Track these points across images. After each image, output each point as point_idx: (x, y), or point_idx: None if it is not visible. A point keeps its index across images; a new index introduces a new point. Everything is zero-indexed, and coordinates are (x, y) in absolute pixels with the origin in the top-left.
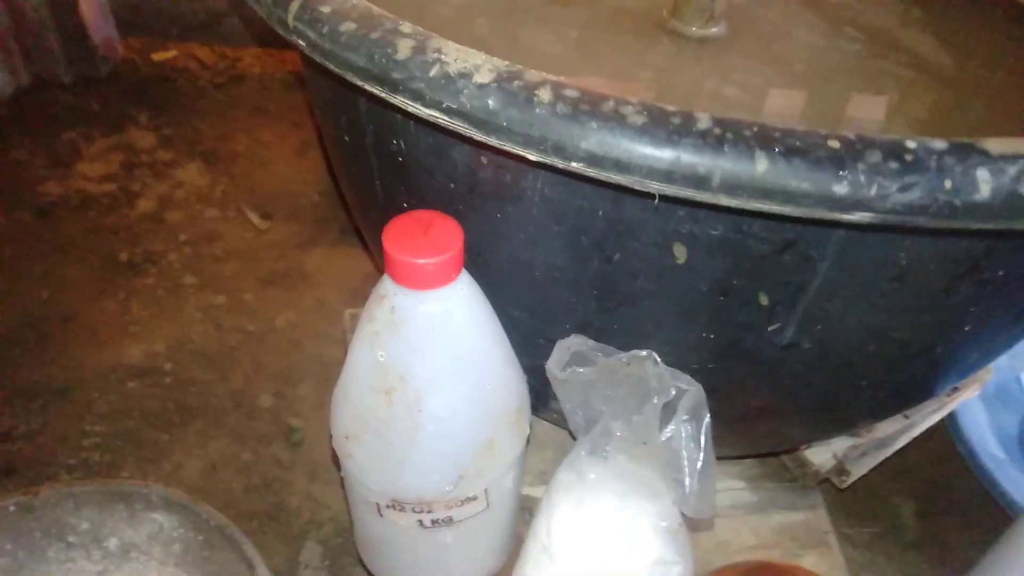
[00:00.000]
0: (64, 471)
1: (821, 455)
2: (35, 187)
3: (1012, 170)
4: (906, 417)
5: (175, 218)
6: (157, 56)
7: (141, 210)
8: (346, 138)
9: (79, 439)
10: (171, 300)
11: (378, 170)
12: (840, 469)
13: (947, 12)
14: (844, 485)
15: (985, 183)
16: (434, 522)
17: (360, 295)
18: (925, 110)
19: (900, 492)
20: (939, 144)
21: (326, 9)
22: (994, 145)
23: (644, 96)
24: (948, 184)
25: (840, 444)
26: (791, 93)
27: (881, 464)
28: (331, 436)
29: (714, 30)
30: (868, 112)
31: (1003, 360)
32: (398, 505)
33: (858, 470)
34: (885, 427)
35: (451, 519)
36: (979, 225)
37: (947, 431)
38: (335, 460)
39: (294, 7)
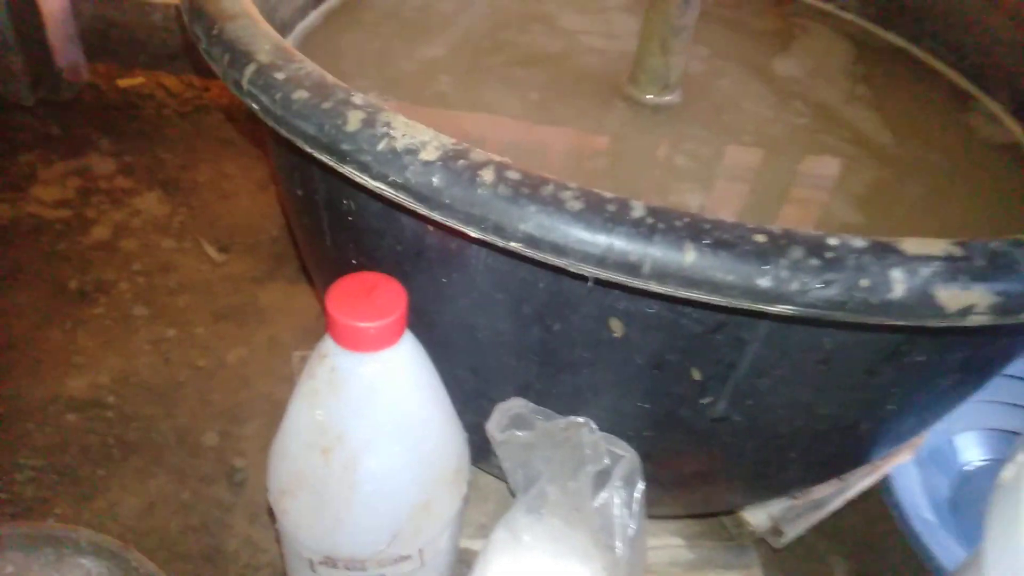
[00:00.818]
0: None
1: (758, 516)
2: None
3: (925, 271)
4: (841, 480)
5: (130, 247)
6: (123, 82)
7: (95, 237)
8: (299, 192)
9: (12, 472)
10: (119, 331)
11: (329, 226)
12: (776, 529)
13: (890, 91)
14: (779, 545)
15: (899, 283)
16: None
17: (314, 334)
18: (864, 187)
19: (835, 552)
20: (859, 242)
21: (280, 76)
22: (910, 245)
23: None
24: (864, 282)
25: (776, 505)
26: (737, 167)
27: (817, 524)
28: (267, 490)
29: (669, 98)
30: (810, 188)
31: (937, 424)
32: (331, 562)
33: (793, 531)
34: (820, 489)
35: None
36: (893, 322)
37: (882, 492)
38: (271, 513)
39: (249, 71)
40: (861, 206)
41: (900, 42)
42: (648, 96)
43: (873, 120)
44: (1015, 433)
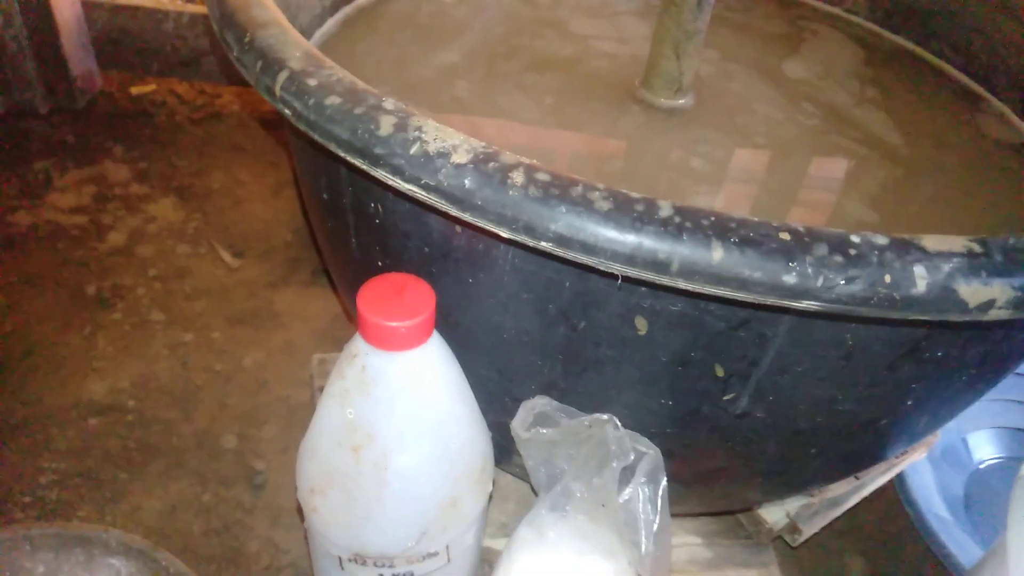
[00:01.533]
0: (19, 509)
1: (775, 514)
2: (4, 217)
3: (946, 267)
4: (857, 478)
5: (146, 253)
6: (136, 89)
7: (111, 243)
8: (325, 196)
9: (36, 476)
10: (138, 336)
11: (355, 229)
12: (793, 528)
13: (900, 93)
14: (796, 543)
15: (921, 278)
16: None
17: (329, 337)
18: (877, 186)
19: (850, 550)
20: (881, 239)
21: (312, 82)
22: (931, 242)
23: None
24: (888, 278)
25: (793, 503)
26: (751, 169)
27: (832, 522)
28: (296, 488)
29: (682, 101)
30: (824, 189)
31: (950, 423)
32: (360, 559)
33: (810, 529)
34: (837, 487)
35: (412, 574)
36: (915, 316)
37: (896, 490)
38: (299, 511)
39: (282, 78)
40: (875, 205)
41: (909, 44)
42: (661, 100)
43: (883, 121)
44: None
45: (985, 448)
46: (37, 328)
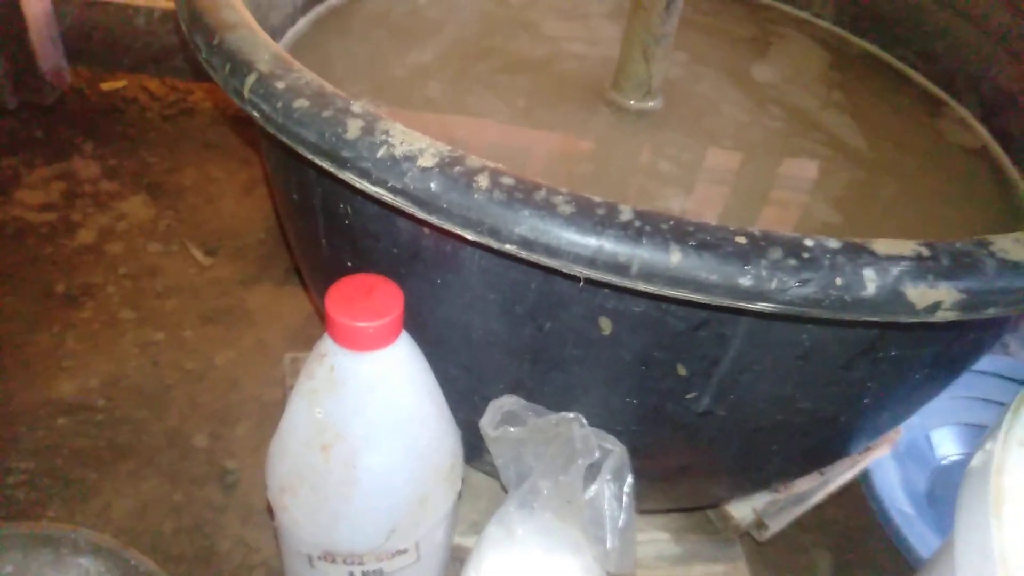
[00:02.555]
0: None
1: (742, 510)
2: None
3: (895, 270)
4: (822, 474)
5: (116, 251)
6: (106, 85)
7: (81, 241)
8: (294, 196)
9: (4, 476)
10: (107, 334)
11: (325, 229)
12: (759, 523)
13: (864, 97)
14: (763, 538)
15: (871, 281)
16: (364, 574)
17: (302, 336)
18: (841, 188)
19: (817, 545)
20: (833, 243)
21: (281, 85)
22: (881, 246)
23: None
24: (839, 281)
25: (760, 499)
26: (718, 171)
27: (799, 517)
28: (266, 487)
29: (651, 104)
30: (790, 190)
31: (914, 419)
32: (330, 557)
33: (776, 524)
34: (802, 483)
35: (382, 571)
36: (866, 317)
37: (862, 486)
38: (270, 510)
39: (250, 80)
40: (839, 207)
41: (874, 49)
42: (631, 102)
43: (848, 125)
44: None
45: (948, 445)
46: (4, 326)
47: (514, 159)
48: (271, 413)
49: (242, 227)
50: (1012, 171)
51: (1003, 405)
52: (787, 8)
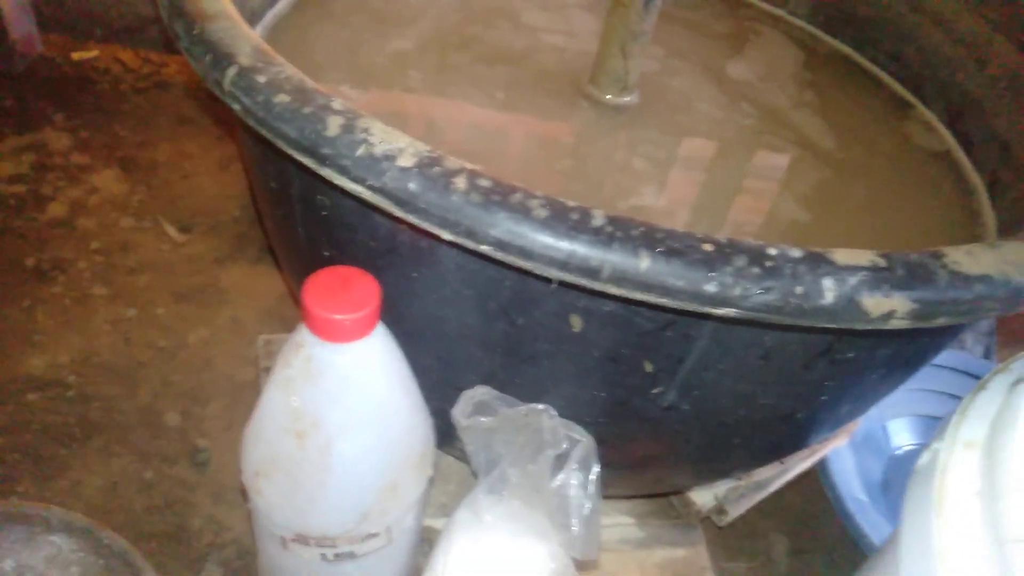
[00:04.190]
0: None
1: (703, 496)
2: None
3: (852, 280)
4: (781, 463)
5: (88, 225)
6: (78, 55)
7: (52, 215)
8: (272, 185)
9: None
10: (79, 310)
11: (302, 219)
12: (720, 509)
13: (835, 97)
14: (723, 523)
15: (829, 290)
16: (337, 556)
17: (276, 315)
18: (809, 187)
19: (774, 530)
20: (796, 252)
21: (262, 79)
22: (840, 256)
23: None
24: (799, 289)
25: (721, 486)
26: (692, 168)
27: (758, 503)
28: (241, 471)
29: (627, 99)
30: (760, 188)
31: (871, 410)
32: (303, 539)
33: (736, 510)
34: (762, 471)
35: (353, 554)
36: (824, 324)
37: (819, 473)
38: (243, 492)
39: (231, 73)
40: (807, 205)
41: (846, 49)
42: (608, 96)
43: (818, 124)
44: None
45: (903, 435)
46: None
47: (493, 153)
48: (243, 392)
49: (216, 204)
50: (973, 176)
51: (957, 398)
52: (764, 5)
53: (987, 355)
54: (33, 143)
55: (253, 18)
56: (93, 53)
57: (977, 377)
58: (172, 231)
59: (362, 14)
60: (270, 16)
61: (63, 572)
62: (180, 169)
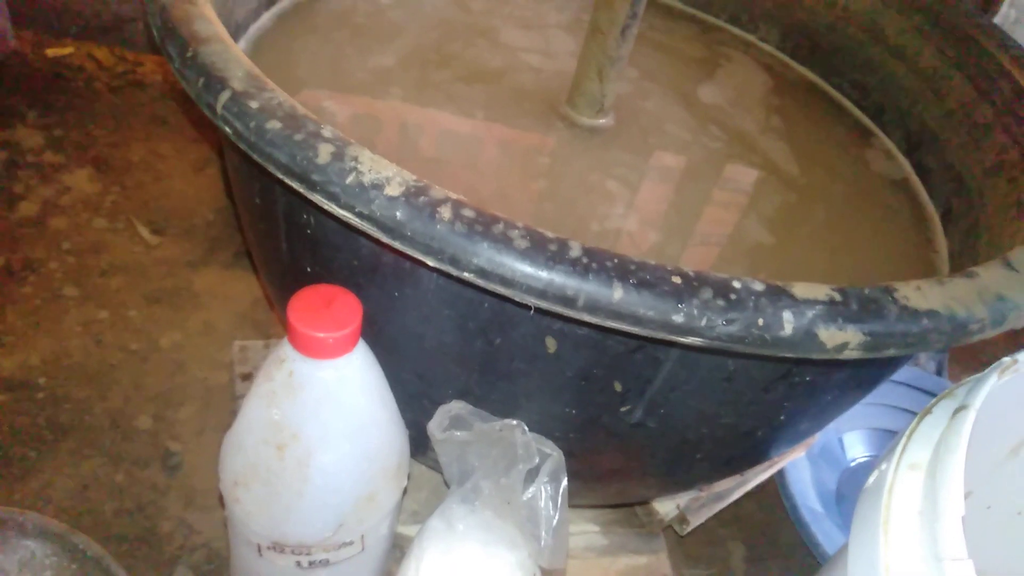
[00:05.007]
0: None
1: (666, 505)
2: None
3: (810, 313)
4: (741, 474)
5: (59, 225)
6: (52, 52)
7: (23, 213)
8: (257, 200)
9: None
10: (50, 311)
11: (286, 235)
12: (682, 518)
13: (800, 123)
14: (685, 532)
15: (788, 323)
16: (311, 563)
17: (249, 320)
18: (773, 210)
19: (733, 538)
20: (758, 286)
21: (254, 105)
22: (799, 290)
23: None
24: (761, 321)
25: (682, 496)
26: (663, 190)
27: (717, 512)
28: (219, 479)
29: (602, 121)
30: (726, 211)
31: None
32: (279, 547)
33: (697, 519)
34: (722, 482)
35: (328, 561)
36: (783, 354)
37: (777, 483)
38: (220, 500)
39: (223, 98)
40: (772, 228)
41: (812, 76)
42: (584, 118)
43: (783, 149)
44: (896, 433)
45: (858, 447)
46: None
47: (471, 171)
48: (216, 396)
49: (190, 207)
50: (928, 204)
51: (910, 412)
52: (736, 31)
53: (939, 371)
54: (5, 140)
55: (238, 31)
56: (68, 50)
57: (930, 393)
58: (145, 233)
59: (345, 29)
60: (254, 30)
61: None
62: (154, 170)
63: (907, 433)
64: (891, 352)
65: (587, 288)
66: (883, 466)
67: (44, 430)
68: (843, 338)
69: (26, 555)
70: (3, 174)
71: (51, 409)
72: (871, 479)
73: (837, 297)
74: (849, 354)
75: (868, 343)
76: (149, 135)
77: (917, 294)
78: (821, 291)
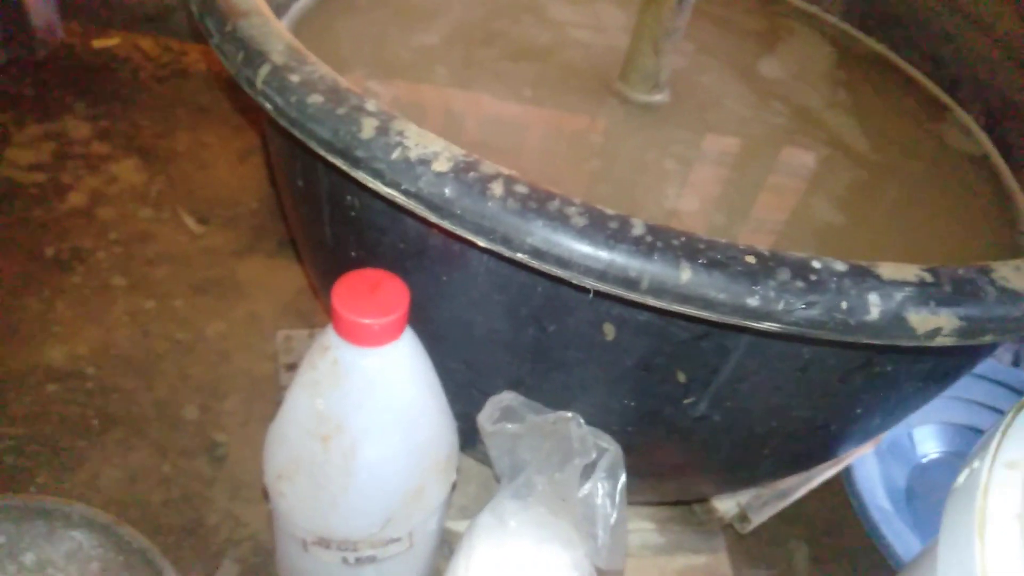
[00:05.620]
0: None
1: (726, 503)
2: None
3: (899, 296)
4: (806, 471)
5: (107, 215)
6: (98, 43)
7: (71, 204)
8: (300, 183)
9: None
10: (98, 301)
11: (330, 218)
12: (743, 516)
13: (869, 98)
14: (745, 531)
15: (875, 306)
16: (358, 560)
17: (293, 310)
18: (843, 188)
19: (796, 537)
20: (840, 266)
21: (295, 78)
22: (886, 270)
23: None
24: (844, 304)
25: (744, 494)
26: (723, 168)
27: (780, 510)
28: (263, 472)
29: (658, 97)
30: (794, 189)
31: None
32: (324, 543)
33: (759, 518)
34: (786, 480)
35: (375, 558)
36: (868, 340)
37: (843, 481)
38: (265, 493)
39: (263, 72)
40: (842, 207)
41: (881, 48)
42: (638, 95)
43: (851, 125)
44: (969, 427)
45: (929, 443)
46: None
47: (520, 151)
48: (261, 387)
49: (235, 196)
50: (1012, 182)
51: (984, 406)
52: (798, 2)
53: (1016, 363)
54: (53, 131)
55: (279, 10)
56: (114, 41)
57: (1005, 385)
58: (190, 222)
59: (386, 8)
60: (295, 9)
61: (83, 568)
62: (199, 159)
63: (1002, 428)
64: (988, 338)
65: (652, 269)
66: (975, 464)
67: (93, 420)
68: (936, 323)
69: (73, 546)
70: (52, 165)
71: (100, 399)
72: (961, 478)
73: (928, 278)
74: (942, 341)
75: (964, 328)
76: (194, 124)
77: (1017, 275)
78: (910, 271)
